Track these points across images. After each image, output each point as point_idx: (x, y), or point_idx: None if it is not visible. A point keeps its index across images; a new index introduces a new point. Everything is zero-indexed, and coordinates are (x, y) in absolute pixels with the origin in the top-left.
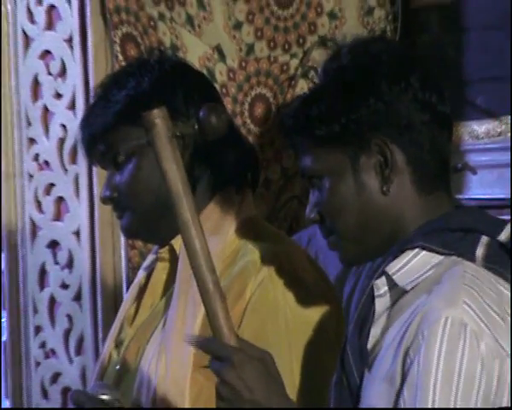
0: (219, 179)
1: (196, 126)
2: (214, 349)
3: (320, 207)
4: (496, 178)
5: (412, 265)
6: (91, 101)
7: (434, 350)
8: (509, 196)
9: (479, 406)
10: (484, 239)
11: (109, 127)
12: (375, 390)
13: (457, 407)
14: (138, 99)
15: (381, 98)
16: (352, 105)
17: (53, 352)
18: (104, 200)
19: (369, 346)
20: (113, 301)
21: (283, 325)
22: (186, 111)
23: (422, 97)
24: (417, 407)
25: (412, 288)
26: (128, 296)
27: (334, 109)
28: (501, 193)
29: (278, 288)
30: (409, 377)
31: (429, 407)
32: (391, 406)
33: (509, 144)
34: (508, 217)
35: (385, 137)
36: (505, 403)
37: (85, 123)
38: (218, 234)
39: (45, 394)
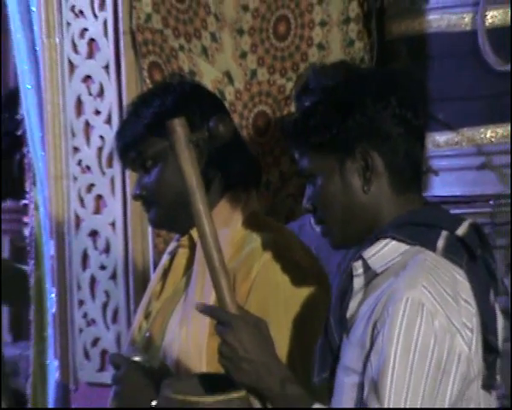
0: (229, 181)
1: (207, 134)
2: (218, 315)
3: (313, 200)
4: (454, 179)
5: (384, 252)
6: (124, 117)
7: (396, 324)
8: (467, 194)
9: (431, 372)
10: (444, 233)
11: (139, 138)
12: (350, 352)
13: (414, 373)
14: (162, 115)
15: (366, 114)
16: (341, 119)
17: (93, 321)
18: (135, 197)
19: (348, 315)
20: (142, 280)
21: (282, 301)
22: (201, 124)
23: (399, 114)
24: (380, 370)
25: (383, 271)
26: (154, 276)
27: (327, 121)
28: (458, 191)
29: (278, 270)
30: (375, 344)
31: (390, 370)
32: (361, 364)
33: (465, 151)
34: (462, 211)
35: (367, 145)
36: (453, 371)
37: (119, 135)
38: (228, 226)
39: (87, 355)
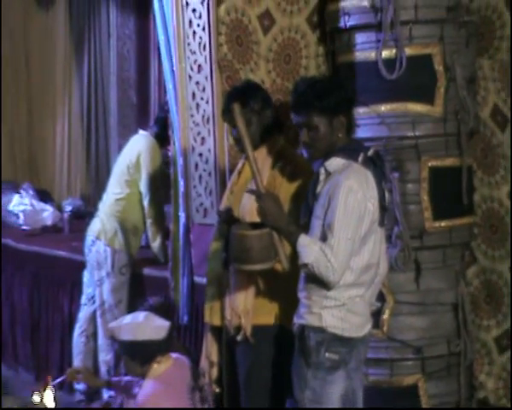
0: (268, 132)
1: (249, 111)
2: (256, 193)
3: (310, 138)
4: (366, 128)
5: (334, 163)
6: (226, 98)
7: (339, 197)
8: (373, 136)
9: (355, 218)
10: (362, 154)
11: (228, 110)
12: (318, 209)
13: (348, 219)
14: (241, 99)
15: (336, 100)
16: (324, 98)
17: (200, 195)
18: (231, 134)
19: (317, 192)
20: (223, 176)
21: (294, 185)
22: (247, 106)
23: (350, 100)
24: (332, 217)
25: (333, 172)
26: (235, 173)
27: (321, 100)
28: (369, 134)
29: (292, 172)
30: (330, 206)
31: (336, 218)
32: (323, 215)
33: (372, 116)
34: (370, 143)
35: (338, 113)
36: (366, 218)
37: (224, 106)
38: (269, 155)
39: (197, 210)
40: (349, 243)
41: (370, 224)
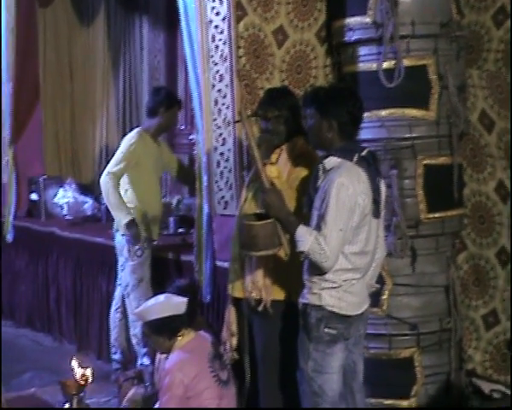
0: (290, 132)
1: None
2: (263, 189)
3: (308, 127)
4: (368, 132)
5: (331, 161)
6: (261, 100)
7: (332, 191)
8: (373, 138)
9: (347, 211)
10: (356, 154)
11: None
12: (317, 201)
13: (339, 211)
14: (269, 101)
15: (335, 104)
16: (323, 103)
17: (220, 189)
18: (264, 131)
19: (317, 186)
20: (241, 171)
21: (300, 176)
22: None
23: (351, 109)
24: (326, 209)
25: (330, 169)
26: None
27: (321, 102)
28: (369, 136)
29: (306, 166)
30: (325, 198)
31: (329, 210)
32: (320, 206)
33: (373, 119)
34: (369, 144)
35: (332, 117)
36: (356, 211)
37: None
38: (292, 151)
39: (219, 202)
40: (340, 233)
41: (362, 216)
